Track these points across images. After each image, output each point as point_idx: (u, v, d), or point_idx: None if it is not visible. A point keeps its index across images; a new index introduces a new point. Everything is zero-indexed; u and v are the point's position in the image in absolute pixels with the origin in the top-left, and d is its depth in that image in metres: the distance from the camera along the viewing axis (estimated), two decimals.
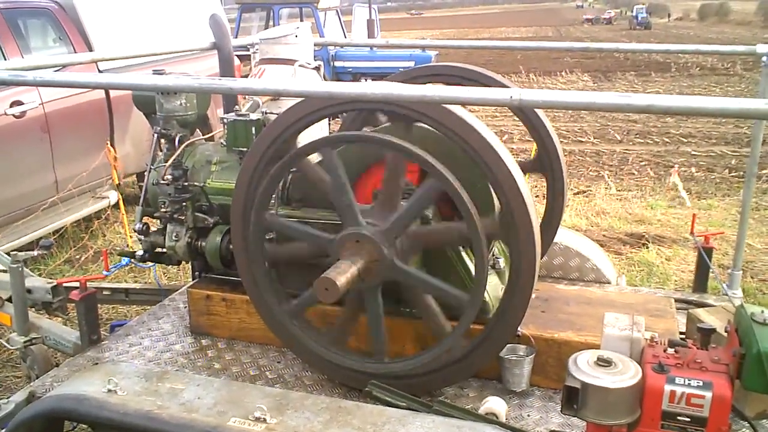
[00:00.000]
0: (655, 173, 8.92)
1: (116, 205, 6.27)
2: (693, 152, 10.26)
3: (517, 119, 3.12)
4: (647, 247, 5.73)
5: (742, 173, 8.40)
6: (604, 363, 1.83)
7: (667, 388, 1.79)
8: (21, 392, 2.64)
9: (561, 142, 9.88)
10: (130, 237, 5.21)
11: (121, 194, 5.38)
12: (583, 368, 1.83)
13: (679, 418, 1.79)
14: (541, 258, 3.20)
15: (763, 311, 1.84)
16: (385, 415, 2.07)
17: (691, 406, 1.78)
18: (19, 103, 5.40)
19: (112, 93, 6.32)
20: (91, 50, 6.26)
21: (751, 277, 5.16)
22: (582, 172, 9.18)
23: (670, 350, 1.90)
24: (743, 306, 1.91)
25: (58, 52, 6.07)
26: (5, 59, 5.40)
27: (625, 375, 1.80)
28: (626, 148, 10.68)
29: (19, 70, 2.27)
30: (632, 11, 47.10)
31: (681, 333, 2.65)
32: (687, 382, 1.78)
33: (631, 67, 21.31)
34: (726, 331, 1.97)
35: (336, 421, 2.04)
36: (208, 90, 2.49)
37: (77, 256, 5.86)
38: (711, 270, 3.23)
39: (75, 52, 6.09)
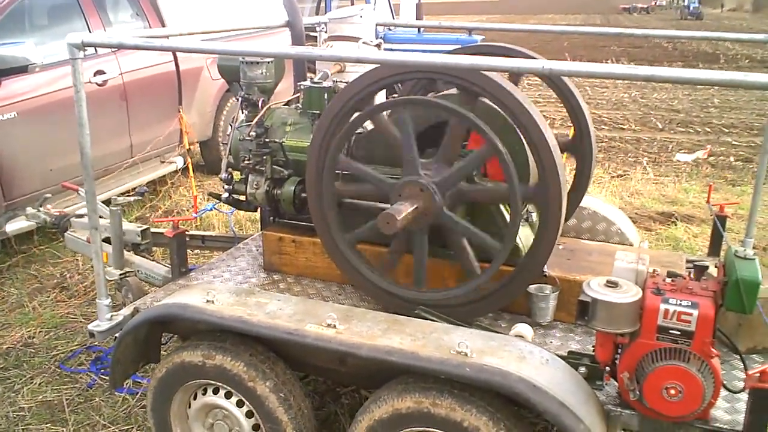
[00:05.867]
0: (694, 161, 9.15)
1: (182, 171, 6.84)
2: (734, 142, 10.44)
3: (560, 106, 3.51)
4: (676, 225, 6.07)
5: None
6: (611, 285, 2.27)
7: (662, 306, 2.21)
8: (127, 308, 3.17)
9: (602, 128, 10.04)
10: (197, 193, 5.77)
11: (191, 158, 5.93)
12: (595, 288, 2.27)
13: (671, 331, 2.22)
14: (570, 218, 3.63)
15: (744, 249, 2.25)
16: (432, 327, 2.55)
17: (681, 321, 2.20)
18: (101, 72, 5.97)
19: (182, 66, 6.87)
20: (163, 26, 6.82)
21: None
22: (621, 158, 9.45)
23: (668, 279, 2.33)
24: (731, 247, 2.33)
25: (136, 27, 6.63)
26: (90, 31, 5.98)
27: (627, 294, 2.24)
28: (667, 137, 10.90)
29: (149, 37, 2.79)
30: (684, 1, 46.29)
31: None
32: (678, 302, 2.21)
33: (679, 58, 21.26)
34: (716, 267, 2.39)
35: (392, 329, 2.52)
36: (302, 57, 2.99)
37: (147, 215, 6.46)
38: (723, 235, 3.60)
39: (150, 27, 6.66)
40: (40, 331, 4.39)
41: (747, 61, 20.35)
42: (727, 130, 11.25)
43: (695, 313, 2.18)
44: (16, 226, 5.08)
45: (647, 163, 8.96)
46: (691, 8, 43.12)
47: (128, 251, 3.88)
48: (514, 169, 2.63)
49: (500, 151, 2.61)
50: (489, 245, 2.78)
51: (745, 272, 2.16)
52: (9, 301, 4.82)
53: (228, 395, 2.77)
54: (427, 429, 2.40)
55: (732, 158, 9.37)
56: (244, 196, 3.51)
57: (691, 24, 37.95)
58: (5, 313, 4.66)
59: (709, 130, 11.30)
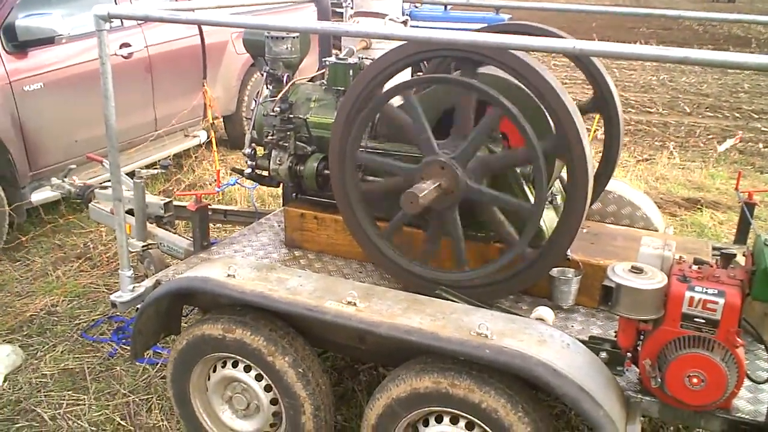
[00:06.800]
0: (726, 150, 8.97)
1: (206, 145, 6.86)
2: (763, 128, 10.23)
3: (587, 87, 3.46)
4: (701, 211, 5.99)
5: None
6: (636, 270, 2.24)
7: (687, 294, 2.18)
8: (149, 280, 3.20)
9: (629, 111, 9.84)
10: (220, 167, 5.79)
11: (214, 132, 5.93)
12: (620, 273, 2.24)
13: (696, 319, 2.19)
14: (595, 201, 3.59)
15: None
16: (453, 307, 2.54)
17: (707, 310, 2.17)
18: (127, 45, 5.97)
19: (207, 40, 6.86)
20: None
21: None
22: (647, 142, 9.30)
23: (695, 267, 2.29)
24: (760, 235, 2.28)
25: None
26: (116, 3, 5.97)
27: (653, 280, 2.21)
28: (695, 121, 10.70)
29: (175, 10, 2.79)
30: None
31: None
32: (704, 290, 2.17)
33: (710, 41, 20.79)
34: (744, 255, 2.34)
35: (412, 309, 2.51)
36: (328, 32, 2.95)
37: (170, 188, 6.49)
38: (751, 223, 3.54)
39: (176, 0, 6.65)
40: (63, 300, 4.45)
41: None
42: (756, 116, 11.03)
43: (721, 301, 2.15)
44: (41, 196, 5.13)
45: (674, 148, 8.82)
46: None
47: (151, 223, 3.91)
48: (527, 123, 2.57)
49: (510, 110, 2.56)
50: (522, 208, 2.76)
51: None
52: (33, 269, 4.89)
53: (247, 369, 2.79)
54: (445, 409, 2.41)
55: (761, 145, 9.19)
56: (267, 172, 3.50)
57: (723, 6, 37.08)
58: (30, 281, 4.72)
59: (738, 115, 11.08)
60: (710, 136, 9.63)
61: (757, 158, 8.49)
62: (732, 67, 1.86)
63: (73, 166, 4.72)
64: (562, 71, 13.45)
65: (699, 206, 6.15)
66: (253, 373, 2.78)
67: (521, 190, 2.95)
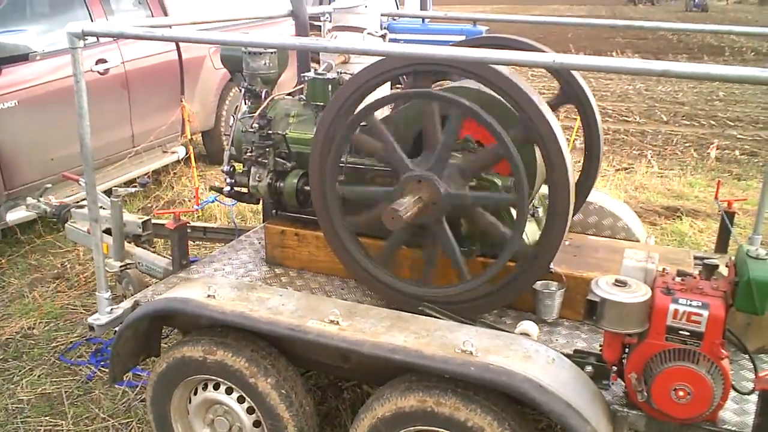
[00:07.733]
0: (699, 154, 9.08)
1: (185, 161, 6.79)
2: (738, 136, 10.35)
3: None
4: (681, 220, 6.02)
5: None
6: (620, 284, 2.23)
7: (672, 306, 2.17)
8: (127, 301, 3.14)
9: (606, 120, 9.91)
10: (199, 183, 5.74)
11: (193, 148, 5.87)
12: (603, 287, 2.23)
13: (680, 332, 2.18)
14: (576, 213, 3.58)
15: (757, 249, 2.21)
16: (437, 324, 2.51)
17: (691, 322, 2.16)
18: (103, 61, 5.90)
19: (184, 55, 6.81)
20: (166, 14, 6.76)
21: None
22: (625, 151, 9.37)
23: (678, 279, 2.29)
24: (742, 245, 2.28)
25: (139, 15, 6.56)
26: (92, 20, 5.92)
27: (637, 294, 2.20)
28: (672, 130, 10.81)
29: (149, 27, 2.75)
30: None
31: None
32: (688, 302, 2.17)
33: (684, 50, 21.08)
34: (726, 266, 2.34)
35: (396, 326, 2.48)
36: (306, 48, 2.92)
37: (149, 205, 6.42)
38: (731, 232, 3.55)
39: (153, 16, 6.60)
40: (40, 322, 4.36)
41: (752, 53, 20.19)
42: (732, 124, 11.16)
43: (705, 313, 2.14)
44: (16, 215, 5.05)
45: (652, 157, 8.89)
46: (697, 0, 42.70)
47: (129, 243, 3.84)
48: (494, 120, 2.55)
49: (477, 111, 2.54)
50: (505, 200, 2.76)
51: (758, 273, 2.12)
52: (9, 291, 4.79)
53: (229, 391, 2.74)
54: (431, 428, 2.37)
55: (737, 152, 9.30)
56: (247, 189, 3.46)
57: (697, 16, 37.61)
58: (5, 303, 4.63)
59: (714, 123, 11.21)
60: (687, 144, 9.72)
61: (734, 165, 8.58)
62: (714, 79, 1.87)
63: (49, 185, 4.64)
64: (540, 81, 13.54)
65: (678, 215, 6.20)
66: (235, 395, 2.73)
67: (507, 213, 2.93)
